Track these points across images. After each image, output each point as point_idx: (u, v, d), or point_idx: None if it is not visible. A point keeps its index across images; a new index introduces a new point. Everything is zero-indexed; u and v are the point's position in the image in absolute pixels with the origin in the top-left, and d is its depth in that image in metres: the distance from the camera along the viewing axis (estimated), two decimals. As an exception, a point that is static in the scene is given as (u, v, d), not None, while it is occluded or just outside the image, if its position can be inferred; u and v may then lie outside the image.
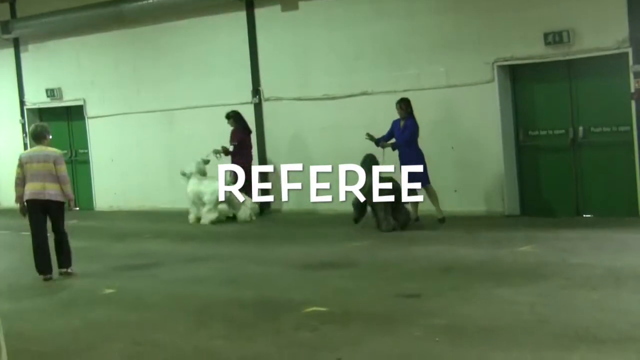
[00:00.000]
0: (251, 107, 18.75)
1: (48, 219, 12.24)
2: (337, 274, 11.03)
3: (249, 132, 17.87)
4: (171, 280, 11.40)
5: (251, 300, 9.73)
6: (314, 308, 8.93)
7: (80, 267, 12.79)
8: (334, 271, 11.27)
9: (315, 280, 10.72)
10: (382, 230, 14.42)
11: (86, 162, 22.10)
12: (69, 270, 12.21)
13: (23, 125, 23.05)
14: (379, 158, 15.02)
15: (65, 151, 21.68)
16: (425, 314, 8.42)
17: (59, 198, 12.11)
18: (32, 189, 12.01)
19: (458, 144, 15.92)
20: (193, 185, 17.37)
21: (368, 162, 15.05)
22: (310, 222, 16.48)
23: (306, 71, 17.98)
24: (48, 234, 12.28)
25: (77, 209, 20.48)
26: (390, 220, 14.44)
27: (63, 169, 12.17)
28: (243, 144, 17.66)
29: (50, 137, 12.59)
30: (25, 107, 23.12)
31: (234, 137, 17.69)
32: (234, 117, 17.75)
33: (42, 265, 12.06)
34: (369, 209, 14.91)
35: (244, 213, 17.14)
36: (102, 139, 21.64)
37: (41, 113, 23.19)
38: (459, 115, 15.91)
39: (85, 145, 22.13)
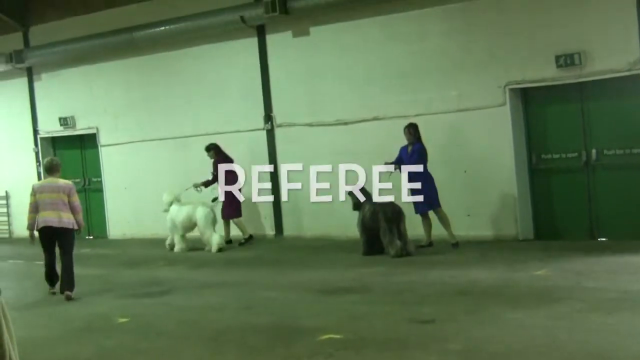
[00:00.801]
0: (264, 133, 18.80)
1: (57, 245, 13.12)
2: (351, 300, 11.01)
3: (231, 161, 17.87)
4: (185, 307, 11.39)
5: (265, 326, 9.71)
6: (329, 335, 8.90)
7: (93, 295, 12.85)
8: (348, 297, 11.25)
9: (329, 306, 10.70)
10: (391, 254, 14.40)
11: (99, 190, 22.16)
12: (71, 294, 12.77)
13: (37, 153, 23.16)
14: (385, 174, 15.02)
15: (77, 179, 21.86)
16: (439, 339, 8.39)
17: (71, 226, 12.90)
18: (45, 217, 12.80)
19: (470, 167, 15.91)
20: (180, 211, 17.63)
21: (367, 189, 15.09)
22: (323, 248, 16.47)
23: (318, 97, 18.02)
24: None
25: (91, 237, 20.58)
26: (397, 243, 14.42)
27: (76, 199, 13.05)
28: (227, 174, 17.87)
29: (60, 169, 13.48)
30: (38, 136, 23.23)
31: (214, 168, 17.78)
32: (214, 150, 17.88)
33: (51, 282, 13.35)
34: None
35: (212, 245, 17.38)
36: (115, 167, 21.71)
37: (54, 142, 23.31)
38: (471, 139, 15.91)
39: (98, 173, 22.19)
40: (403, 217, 14.64)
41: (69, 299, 12.68)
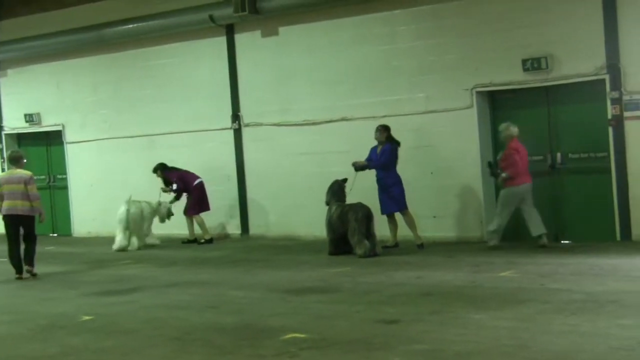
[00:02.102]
0: (231, 133, 18.78)
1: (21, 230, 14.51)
2: (317, 300, 11.01)
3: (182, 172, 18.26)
4: (150, 306, 11.34)
5: (231, 325, 9.69)
6: (294, 334, 8.89)
7: (57, 294, 12.76)
8: (314, 297, 11.25)
9: (295, 306, 10.69)
10: (358, 254, 14.43)
11: (64, 187, 22.03)
12: (33, 270, 14.42)
13: (1, 150, 22.97)
14: (350, 182, 15.13)
15: (42, 176, 21.73)
16: (404, 340, 8.40)
17: (30, 213, 14.34)
18: (7, 206, 14.31)
19: (437, 169, 15.99)
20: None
21: (336, 188, 15.15)
22: (290, 248, 16.48)
23: (286, 97, 18.03)
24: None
25: (55, 235, 20.45)
26: (365, 243, 14.46)
27: (33, 188, 14.31)
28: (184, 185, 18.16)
29: (25, 160, 14.89)
30: (3, 132, 23.06)
31: (171, 178, 18.12)
32: (161, 169, 18.30)
33: (17, 268, 14.45)
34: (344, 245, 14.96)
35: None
36: (81, 165, 21.59)
37: (20, 138, 23.15)
38: (439, 141, 15.99)
39: (64, 170, 22.06)
40: (372, 217, 14.68)
41: (32, 274, 14.35)
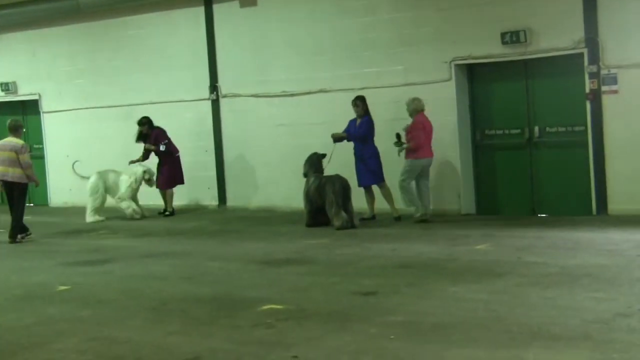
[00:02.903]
0: (209, 104, 18.73)
1: None
2: (294, 271, 11.04)
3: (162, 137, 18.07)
4: (127, 277, 11.35)
5: (208, 296, 9.71)
6: (271, 305, 8.92)
7: (33, 264, 12.76)
8: (291, 268, 11.28)
9: (272, 278, 10.72)
10: (336, 226, 14.46)
11: (41, 157, 21.89)
12: (19, 238, 15.23)
13: (-23, 119, 22.81)
14: (328, 154, 15.16)
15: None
16: (381, 311, 8.45)
17: (21, 180, 15.07)
18: (1, 171, 15.06)
19: (415, 142, 15.97)
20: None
21: (314, 160, 15.17)
22: (267, 220, 16.49)
23: (265, 68, 17.98)
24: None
25: (32, 205, 20.39)
26: (342, 215, 14.48)
27: (24, 157, 15.04)
28: (170, 143, 17.88)
29: (23, 130, 15.98)
30: (-21, 101, 22.86)
31: (160, 138, 17.74)
32: (149, 123, 18.01)
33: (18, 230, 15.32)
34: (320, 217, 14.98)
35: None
36: (57, 134, 21.48)
37: (-5, 107, 22.96)
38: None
39: (40, 140, 21.94)
40: (350, 190, 14.71)
41: (16, 241, 15.14)
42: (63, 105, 21.13)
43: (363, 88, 16.11)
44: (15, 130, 15.42)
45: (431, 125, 14.98)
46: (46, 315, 9.26)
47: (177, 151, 18.01)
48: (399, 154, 15.04)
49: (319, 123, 16.63)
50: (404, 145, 14.89)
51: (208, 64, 18.72)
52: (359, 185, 15.34)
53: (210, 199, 18.97)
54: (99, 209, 17.82)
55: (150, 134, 17.81)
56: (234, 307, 9.06)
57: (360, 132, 15.20)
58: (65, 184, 21.15)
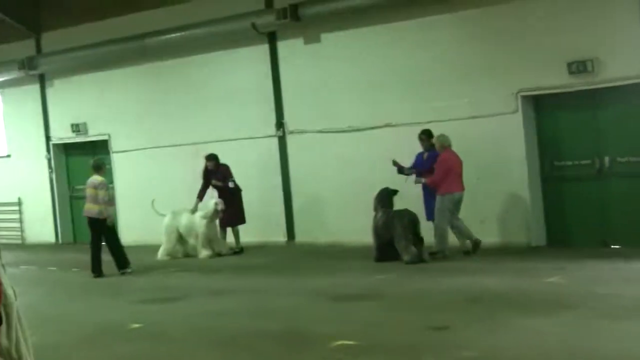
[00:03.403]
0: (275, 140, 18.84)
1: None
2: (364, 306, 11.02)
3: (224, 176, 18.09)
4: (197, 314, 11.41)
5: (278, 332, 9.72)
6: (342, 341, 8.91)
7: (105, 302, 12.91)
8: (361, 303, 11.26)
9: (342, 313, 10.71)
10: (405, 260, 14.39)
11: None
12: (126, 270, 15.83)
13: (49, 160, 23.23)
14: (401, 187, 15.16)
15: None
16: (453, 346, 8.39)
17: (97, 216, 15.74)
18: (85, 208, 16.09)
19: (483, 175, 15.88)
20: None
21: (385, 195, 15.18)
22: (336, 255, 16.46)
23: (329, 103, 18.04)
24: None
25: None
26: (412, 249, 14.42)
27: (102, 193, 15.72)
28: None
29: (105, 167, 16.69)
30: (51, 143, 23.28)
31: (227, 174, 17.78)
32: (215, 159, 18.00)
33: (92, 267, 15.81)
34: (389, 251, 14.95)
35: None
36: (127, 173, 21.75)
37: (66, 148, 23.37)
38: (484, 146, 15.88)
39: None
40: (418, 224, 14.65)
41: (124, 273, 15.74)
42: (132, 144, 21.43)
43: (429, 122, 16.06)
44: (97, 169, 16.15)
45: (459, 160, 14.98)
46: (119, 354, 9.36)
47: (241, 189, 18.07)
48: (405, 182, 15.33)
49: (385, 158, 16.61)
50: (409, 171, 15.30)
51: (274, 100, 18.86)
52: (428, 219, 15.29)
53: (278, 235, 19.02)
54: (172, 249, 17.93)
55: (216, 170, 17.89)
56: (304, 342, 9.06)
57: (426, 165, 15.18)
58: (136, 222, 21.36)
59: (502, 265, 13.63)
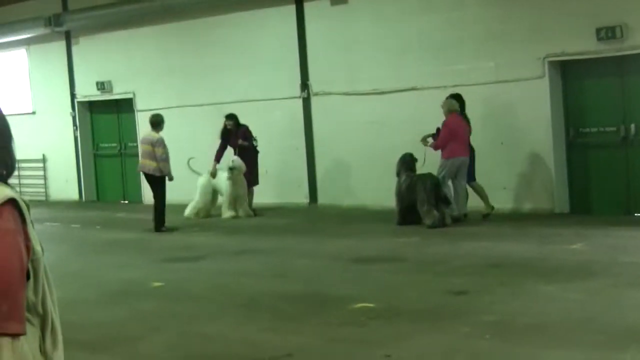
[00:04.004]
0: (299, 102, 18.77)
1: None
2: (385, 269, 11.00)
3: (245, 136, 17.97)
4: (218, 273, 11.45)
5: (298, 294, 9.73)
6: (362, 304, 8.90)
7: (128, 260, 12.97)
8: (382, 266, 11.25)
9: (363, 275, 10.70)
10: (427, 224, 14.34)
11: (135, 155, 22.13)
12: (162, 229, 16.02)
13: (74, 117, 23.27)
14: (420, 155, 15.09)
15: (114, 144, 22.01)
16: (473, 311, 8.36)
17: (155, 172, 16.08)
18: (139, 164, 16.58)
19: (507, 140, 15.78)
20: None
21: (407, 160, 15.13)
22: (358, 218, 16.44)
23: (355, 66, 17.94)
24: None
25: (126, 202, 20.74)
26: (434, 213, 14.36)
27: (159, 151, 16.02)
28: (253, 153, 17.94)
29: (163, 125, 16.51)
30: (75, 100, 23.30)
31: (248, 135, 17.64)
32: (235, 119, 17.80)
33: (159, 221, 16.18)
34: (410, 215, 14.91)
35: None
36: (151, 132, 21.75)
37: (91, 106, 23.39)
38: (509, 111, 15.77)
39: (134, 138, 22.24)
40: (441, 188, 14.59)
41: (161, 230, 15.95)
42: (156, 103, 21.36)
43: (454, 85, 15.95)
44: (154, 126, 16.33)
45: (465, 126, 14.91)
46: (140, 310, 9.41)
47: (258, 151, 17.98)
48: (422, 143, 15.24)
49: (410, 121, 16.53)
50: (429, 140, 15.16)
51: (299, 62, 18.77)
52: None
53: (301, 197, 19.01)
54: (203, 208, 17.88)
55: (236, 130, 17.75)
56: (324, 304, 9.06)
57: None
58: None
59: (524, 231, 13.56)
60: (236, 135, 17.70)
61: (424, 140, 15.27)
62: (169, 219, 16.48)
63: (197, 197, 18.00)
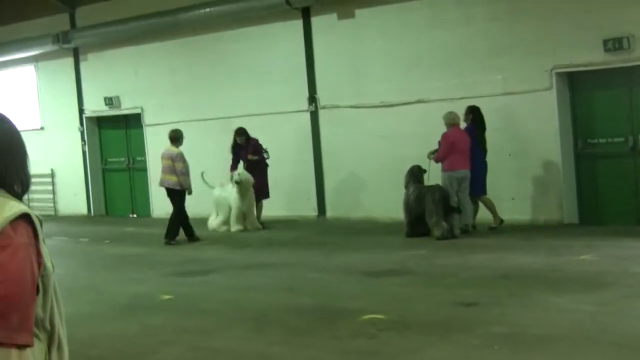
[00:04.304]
0: (307, 115, 18.77)
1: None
2: (395, 282, 10.97)
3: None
4: (227, 287, 11.42)
5: (308, 307, 9.70)
6: (372, 315, 8.87)
7: (137, 274, 12.95)
8: (392, 279, 11.21)
9: (372, 288, 10.67)
10: (436, 236, 14.30)
11: (143, 169, 22.24)
12: (170, 242, 16.13)
13: (82, 133, 23.32)
14: (427, 168, 15.10)
15: (122, 159, 22.03)
16: (483, 322, 8.32)
17: (175, 187, 16.24)
18: (160, 178, 16.61)
19: (515, 151, 15.76)
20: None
21: (415, 171, 15.12)
22: (367, 230, 16.40)
23: (362, 79, 17.95)
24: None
25: (135, 216, 20.74)
26: (442, 224, 14.32)
27: (180, 165, 16.20)
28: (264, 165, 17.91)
29: (182, 140, 16.66)
30: (84, 116, 23.36)
31: (258, 148, 17.63)
32: (245, 134, 17.78)
33: (186, 233, 16.47)
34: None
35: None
36: (159, 147, 21.64)
37: (100, 121, 23.44)
38: (517, 122, 15.75)
39: (142, 152, 22.28)
40: (449, 199, 14.55)
41: (170, 243, 16.04)
42: (164, 118, 21.40)
43: (461, 98, 15.95)
44: (174, 140, 16.53)
45: (466, 138, 14.88)
46: (150, 324, 9.38)
47: (268, 165, 17.96)
48: (427, 171, 15.19)
49: (417, 134, 16.52)
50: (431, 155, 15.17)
51: (306, 75, 18.77)
52: (473, 195, 15.18)
53: (309, 210, 18.99)
54: (227, 219, 17.82)
55: (246, 144, 17.77)
56: (334, 317, 9.03)
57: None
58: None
59: (534, 242, 13.51)
60: (246, 149, 17.72)
61: (429, 154, 15.28)
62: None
63: (215, 210, 17.92)
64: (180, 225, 16.37)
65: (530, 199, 15.72)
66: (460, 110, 15.32)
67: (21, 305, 2.94)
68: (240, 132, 17.87)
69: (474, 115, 15.19)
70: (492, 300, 9.33)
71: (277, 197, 18.34)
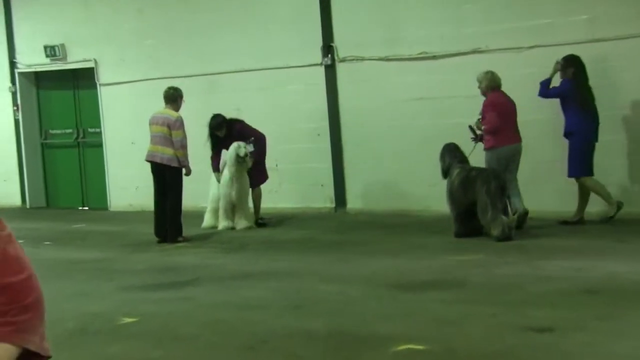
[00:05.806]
0: (321, 70, 18.78)
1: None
2: (439, 298, 10.98)
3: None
4: (213, 305, 11.45)
5: (322, 332, 9.73)
6: (408, 345, 8.90)
7: (91, 287, 12.99)
8: (435, 294, 11.23)
9: (409, 307, 10.69)
10: (495, 235, 14.31)
11: (98, 145, 22.32)
12: (179, 239, 16.25)
13: (13, 94, 23.33)
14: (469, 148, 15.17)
15: (69, 130, 22.07)
16: (560, 355, 8.34)
17: (171, 163, 16.12)
18: (148, 151, 16.34)
19: (611, 117, 15.67)
20: None
21: (452, 149, 15.10)
22: (400, 227, 16.47)
23: (396, 22, 17.96)
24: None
25: (87, 208, 20.84)
26: (503, 220, 14.29)
27: (179, 134, 16.07)
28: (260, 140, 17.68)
29: (182, 101, 16.62)
30: (16, 71, 23.40)
31: (245, 132, 17.55)
32: (227, 124, 17.61)
33: (156, 230, 16.40)
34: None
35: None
36: (120, 114, 21.82)
37: (38, 78, 23.51)
38: (611, 79, 15.72)
39: (97, 122, 22.34)
40: (507, 190, 14.54)
41: (177, 242, 16.18)
42: (127, 75, 21.47)
43: (532, 47, 15.99)
44: (172, 100, 16.44)
45: (512, 104, 15.17)
46: (107, 356, 9.42)
47: (264, 139, 17.71)
48: (470, 153, 15.28)
49: (472, 95, 16.51)
50: (479, 134, 15.30)
51: (320, 18, 18.79)
52: (569, 176, 15.26)
53: (324, 200, 19.04)
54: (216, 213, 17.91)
55: (229, 135, 17.43)
56: (357, 346, 9.06)
57: (549, 92, 15.09)
58: (131, 181, 21.43)
59: (630, 245, 13.51)
60: (231, 138, 17.37)
61: (475, 126, 15.33)
62: (145, 232, 16.57)
63: (210, 206, 18.02)
64: (176, 216, 16.27)
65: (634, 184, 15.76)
66: (531, 63, 15.34)
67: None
68: (218, 125, 17.65)
69: (577, 67, 15.15)
70: (574, 325, 9.35)
71: (280, 184, 18.40)
